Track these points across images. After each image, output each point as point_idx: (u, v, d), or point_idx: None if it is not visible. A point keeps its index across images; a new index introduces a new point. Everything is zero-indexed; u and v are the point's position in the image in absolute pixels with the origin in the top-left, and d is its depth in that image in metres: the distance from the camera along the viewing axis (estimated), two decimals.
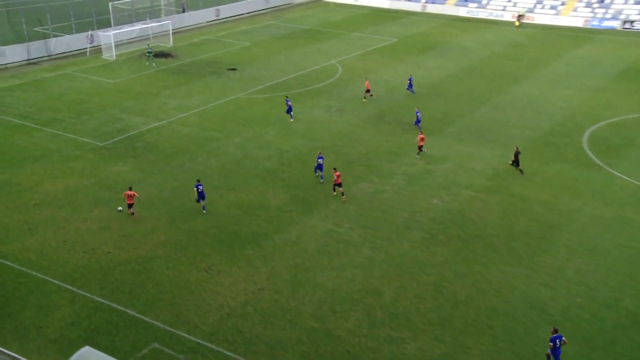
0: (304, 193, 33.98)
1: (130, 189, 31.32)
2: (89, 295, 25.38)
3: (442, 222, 31.44)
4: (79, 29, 64.34)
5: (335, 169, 33.68)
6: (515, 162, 36.27)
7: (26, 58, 57.94)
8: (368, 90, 48.56)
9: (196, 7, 78.60)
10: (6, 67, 56.42)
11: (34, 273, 26.64)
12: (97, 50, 62.17)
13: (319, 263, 27.86)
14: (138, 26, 65.64)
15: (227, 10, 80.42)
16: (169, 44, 65.52)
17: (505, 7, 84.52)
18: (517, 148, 36.66)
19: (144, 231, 29.94)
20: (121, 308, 24.70)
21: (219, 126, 43.07)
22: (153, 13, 72.18)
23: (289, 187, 34.56)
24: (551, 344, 21.65)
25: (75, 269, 27.00)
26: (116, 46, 61.25)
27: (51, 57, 59.88)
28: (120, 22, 67.36)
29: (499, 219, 31.78)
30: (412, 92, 49.54)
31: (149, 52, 58.36)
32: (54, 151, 38.53)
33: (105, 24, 66.82)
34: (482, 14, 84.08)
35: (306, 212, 32.00)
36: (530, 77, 56.48)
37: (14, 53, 57.21)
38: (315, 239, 29.63)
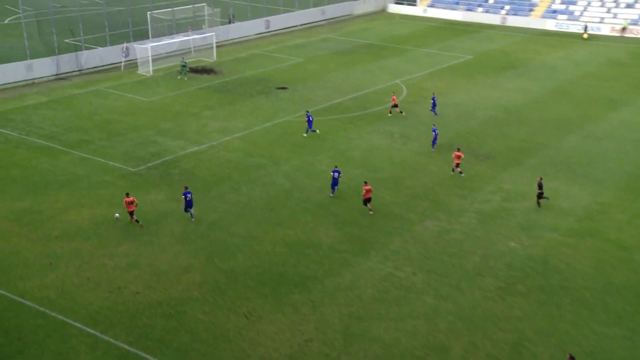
0: (359, 231, 33.93)
1: (127, 195, 34.01)
2: (113, 341, 25.78)
3: (521, 269, 30.82)
4: (114, 41, 66.62)
5: (366, 182, 35.85)
6: (540, 195, 36.20)
7: (55, 72, 60.24)
8: (395, 105, 50.53)
9: (244, 18, 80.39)
10: (33, 82, 58.75)
11: (54, 314, 27.23)
12: (132, 65, 64.20)
13: (376, 312, 27.63)
14: (178, 38, 67.53)
15: (278, 22, 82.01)
16: (212, 58, 67.09)
17: (602, 19, 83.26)
18: (540, 179, 36.61)
19: (178, 270, 30.38)
20: (149, 357, 24.98)
21: (266, 152, 43.65)
22: (195, 24, 74.12)
23: (343, 224, 34.59)
24: None
25: (99, 310, 27.51)
26: (153, 60, 63.07)
27: (82, 71, 62.10)
28: (158, 34, 69.40)
29: (591, 269, 30.93)
30: (435, 113, 50.47)
31: (182, 66, 59.95)
32: (81, 177, 39.69)
33: (142, 36, 68.96)
34: (573, 27, 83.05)
35: (362, 253, 31.90)
36: (633, 101, 55.23)
37: (43, 67, 59.59)
38: (371, 284, 29.46)
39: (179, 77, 60.13)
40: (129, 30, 68.17)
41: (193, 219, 34.53)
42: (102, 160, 42.20)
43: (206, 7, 76.51)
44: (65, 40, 68.48)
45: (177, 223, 34.34)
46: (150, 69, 61.82)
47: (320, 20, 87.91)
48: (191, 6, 74.12)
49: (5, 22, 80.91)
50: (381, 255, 31.72)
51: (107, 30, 66.33)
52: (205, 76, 61.33)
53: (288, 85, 58.53)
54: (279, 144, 45.05)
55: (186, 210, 34.46)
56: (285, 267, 30.63)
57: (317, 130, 46.37)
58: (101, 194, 37.56)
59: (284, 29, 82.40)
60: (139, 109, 52.12)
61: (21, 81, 58.30)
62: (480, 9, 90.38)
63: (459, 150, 40.52)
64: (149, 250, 31.88)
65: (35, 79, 59.18)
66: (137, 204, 34.07)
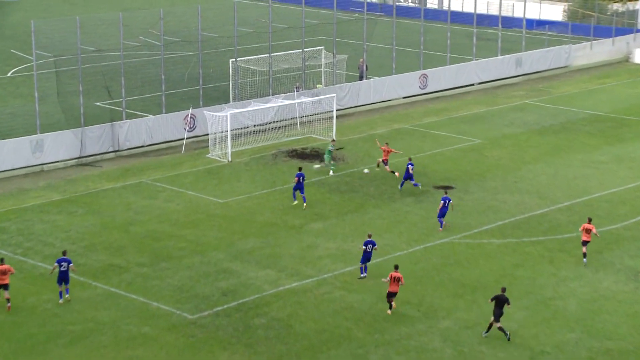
0: None
1: (2, 261, 39.98)
2: None
3: None
4: (172, 106, 68.72)
5: (396, 267, 40.99)
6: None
7: (77, 155, 62.36)
8: (385, 161, 58.53)
9: (384, 71, 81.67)
10: (42, 170, 61.06)
11: None
12: (199, 144, 65.98)
13: None
14: (277, 103, 68.88)
15: (441, 78, 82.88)
16: (329, 135, 67.61)
17: None
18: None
19: None
20: None
21: (412, 295, 43.07)
22: (306, 80, 75.56)
23: None
24: None
25: None
26: (235, 137, 64.43)
27: (119, 153, 64.18)
28: (245, 95, 71.19)
29: None
30: (413, 183, 56.73)
31: (329, 151, 60.42)
32: (104, 326, 40.10)
33: (218, 98, 70.96)
34: None
35: None
36: None
37: (59, 146, 61.85)
38: None
39: (330, 171, 60.19)
40: (199, 87, 70.24)
41: (65, 297, 41.61)
42: (142, 299, 42.73)
43: (324, 53, 78.03)
44: (97, 104, 71.25)
45: None
46: (229, 150, 63.09)
47: (514, 77, 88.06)
48: (300, 51, 75.93)
49: (8, 75, 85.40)
50: None
51: (163, 87, 68.46)
52: (316, 164, 62.14)
53: (455, 183, 58.40)
54: (434, 283, 44.49)
55: (60, 283, 41.59)
56: None
57: (304, 205, 53.49)
58: (136, 356, 37.79)
59: (450, 89, 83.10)
60: (205, 217, 53.02)
61: (23, 168, 60.62)
62: None
63: (590, 221, 46.56)
64: None
65: (45, 164, 61.44)
66: (13, 272, 41.13)
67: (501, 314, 38.59)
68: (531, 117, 74.86)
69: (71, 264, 41.84)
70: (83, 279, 44.58)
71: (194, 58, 75.79)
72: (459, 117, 74.55)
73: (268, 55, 73.66)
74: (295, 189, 53.94)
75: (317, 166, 60.45)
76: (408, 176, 56.32)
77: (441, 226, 50.74)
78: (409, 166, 55.99)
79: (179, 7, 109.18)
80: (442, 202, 50.58)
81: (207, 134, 65.10)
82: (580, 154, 64.99)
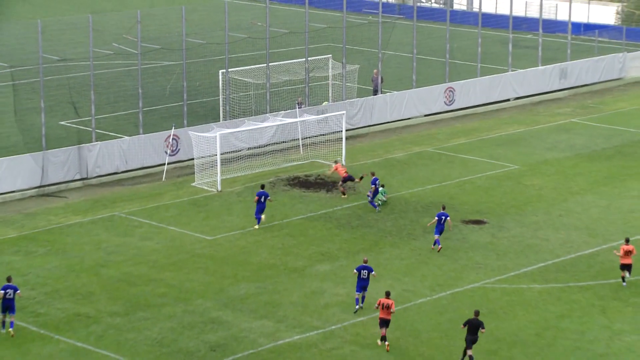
0: None
1: None
2: None
3: None
4: (151, 126, 68.73)
5: (387, 293, 42.17)
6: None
7: (37, 184, 62.25)
8: (346, 179, 61.30)
9: (403, 84, 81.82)
10: None
11: None
12: (183, 170, 66.06)
13: None
14: (275, 121, 68.84)
15: (470, 92, 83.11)
16: (338, 160, 67.30)
17: None
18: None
19: None
20: None
21: (438, 351, 43.01)
22: (309, 94, 75.45)
23: None
24: None
25: None
26: (225, 163, 64.45)
27: (87, 181, 64.15)
28: (238, 113, 71.11)
29: None
30: (373, 204, 60.04)
31: (382, 193, 59.95)
32: None
33: (205, 116, 70.93)
34: None
35: None
36: None
37: (15, 172, 61.75)
38: None
39: (377, 210, 59.96)
40: (182, 104, 70.32)
41: (9, 330, 42.59)
42: (114, 355, 42.47)
43: (331, 63, 77.97)
44: (62, 123, 71.11)
45: None
46: (218, 178, 63.09)
47: (558, 91, 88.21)
48: (303, 60, 76.00)
49: None
50: None
51: (140, 104, 68.44)
52: (322, 195, 62.19)
53: (488, 217, 58.40)
54: (463, 337, 43.82)
55: (4, 311, 42.87)
56: None
57: (263, 217, 56.31)
58: None
59: (481, 105, 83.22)
60: (190, 257, 52.92)
61: None
62: None
63: (628, 242, 48.71)
64: None
65: None
66: None
67: (474, 340, 40.59)
68: (579, 139, 74.81)
69: (18, 291, 43.35)
70: (44, 331, 44.44)
71: (177, 69, 75.83)
72: (492, 139, 74.53)
73: (265, 65, 73.78)
74: (258, 211, 56.14)
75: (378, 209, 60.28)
76: (377, 192, 59.51)
77: (434, 244, 53.00)
78: (374, 183, 59.44)
79: (159, 8, 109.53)
80: (436, 218, 53.07)
81: (193, 159, 65.10)
82: (637, 182, 64.92)
